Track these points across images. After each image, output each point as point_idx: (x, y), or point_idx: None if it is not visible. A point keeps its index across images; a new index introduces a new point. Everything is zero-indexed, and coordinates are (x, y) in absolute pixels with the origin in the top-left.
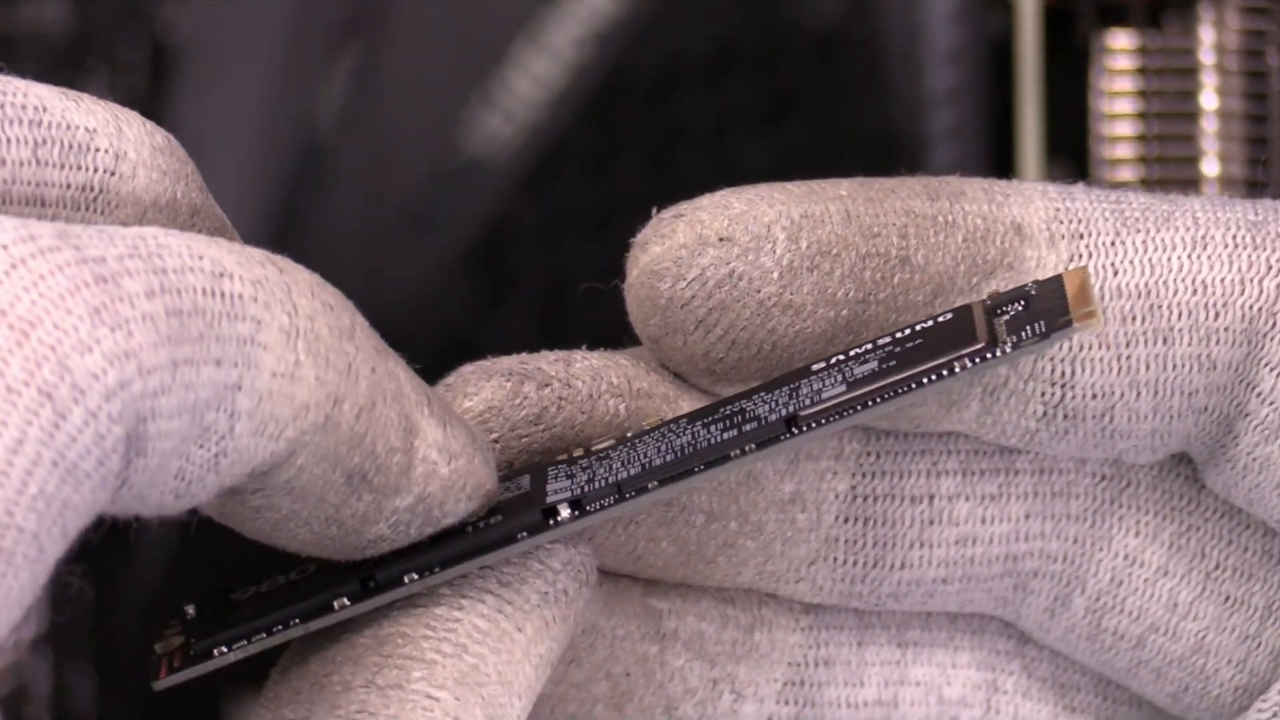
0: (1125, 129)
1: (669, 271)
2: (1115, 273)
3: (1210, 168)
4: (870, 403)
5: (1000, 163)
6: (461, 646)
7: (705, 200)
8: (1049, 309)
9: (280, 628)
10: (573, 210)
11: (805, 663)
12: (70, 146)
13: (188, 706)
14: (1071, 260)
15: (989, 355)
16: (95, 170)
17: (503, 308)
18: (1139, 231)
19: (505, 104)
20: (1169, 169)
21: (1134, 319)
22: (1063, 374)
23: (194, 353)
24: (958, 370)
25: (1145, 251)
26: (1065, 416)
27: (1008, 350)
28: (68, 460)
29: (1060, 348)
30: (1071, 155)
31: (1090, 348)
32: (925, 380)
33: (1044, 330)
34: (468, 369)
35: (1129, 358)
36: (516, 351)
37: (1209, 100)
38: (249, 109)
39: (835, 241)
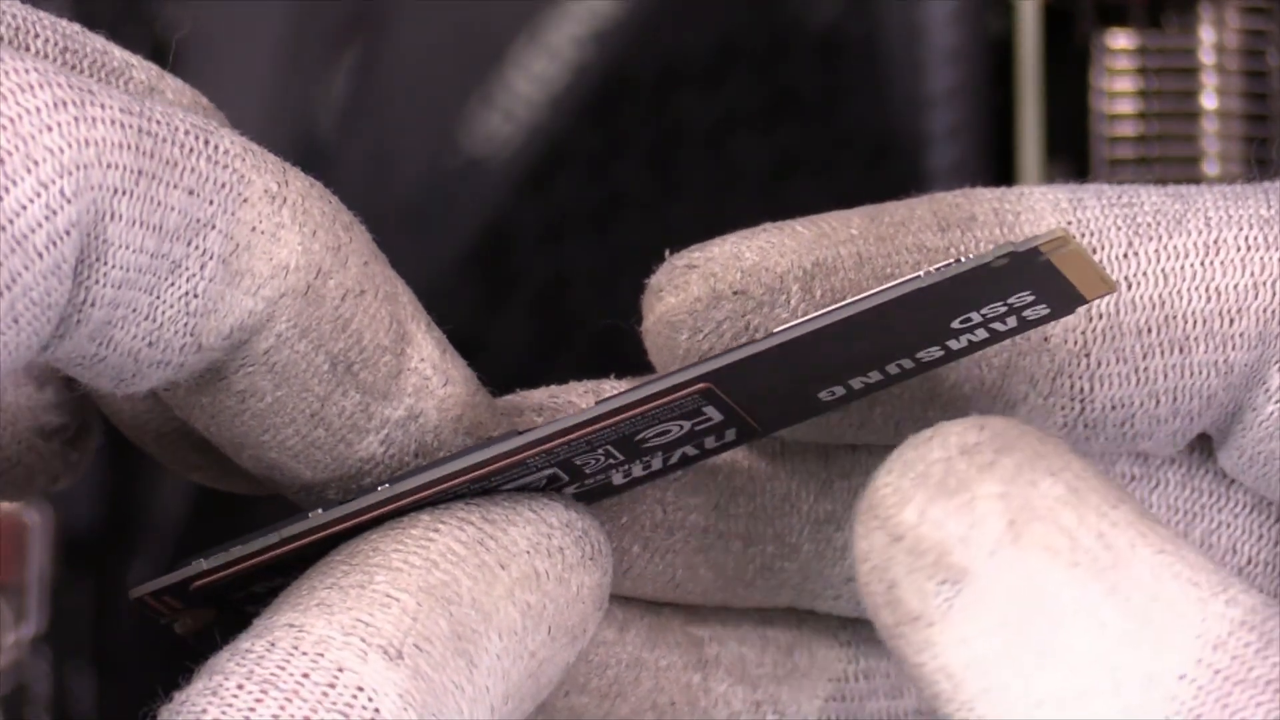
0: (1126, 129)
1: (685, 324)
2: (1129, 286)
3: (1210, 168)
4: (842, 312)
5: (1000, 163)
6: (432, 562)
7: (716, 250)
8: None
9: (257, 537)
10: (573, 210)
11: (846, 677)
12: (104, 67)
13: None
14: None
15: (959, 260)
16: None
17: (503, 307)
18: (1151, 239)
19: (505, 103)
20: (1169, 169)
21: (1149, 331)
22: (1081, 390)
23: (165, 173)
24: (923, 276)
25: (1159, 261)
26: (1086, 426)
27: (984, 256)
28: (16, 227)
29: (1079, 364)
30: (1071, 155)
31: (1106, 364)
32: (896, 291)
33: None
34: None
35: (1146, 369)
36: (516, 351)
37: (1209, 100)
38: (249, 108)
39: (849, 288)
